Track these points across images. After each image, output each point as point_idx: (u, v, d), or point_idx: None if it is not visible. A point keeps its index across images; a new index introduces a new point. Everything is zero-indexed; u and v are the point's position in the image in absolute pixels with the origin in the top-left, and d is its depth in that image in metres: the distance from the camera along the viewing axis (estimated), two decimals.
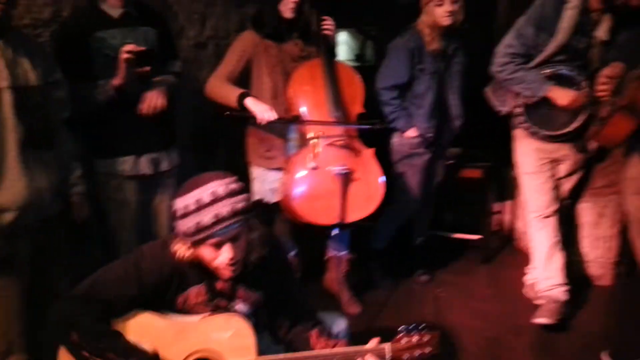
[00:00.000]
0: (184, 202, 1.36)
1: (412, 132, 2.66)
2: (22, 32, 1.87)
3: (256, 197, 2.47)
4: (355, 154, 2.32)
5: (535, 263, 2.67)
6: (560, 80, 2.28)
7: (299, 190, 2.26)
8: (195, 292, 1.47)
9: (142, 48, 1.94)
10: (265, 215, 2.58)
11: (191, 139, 2.79)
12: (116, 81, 1.95)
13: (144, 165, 2.13)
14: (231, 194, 1.36)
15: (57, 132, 1.79)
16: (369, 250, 3.00)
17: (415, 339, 1.36)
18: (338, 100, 2.30)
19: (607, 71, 1.88)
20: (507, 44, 2.35)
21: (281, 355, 1.40)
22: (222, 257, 1.38)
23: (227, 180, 1.38)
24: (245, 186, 1.48)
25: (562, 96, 2.26)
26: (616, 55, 2.20)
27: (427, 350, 1.36)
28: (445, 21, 2.51)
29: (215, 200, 1.33)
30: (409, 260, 3.04)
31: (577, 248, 2.90)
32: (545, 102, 2.32)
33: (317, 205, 2.25)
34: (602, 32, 2.21)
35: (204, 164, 2.76)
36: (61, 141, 1.81)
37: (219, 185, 1.35)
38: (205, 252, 1.39)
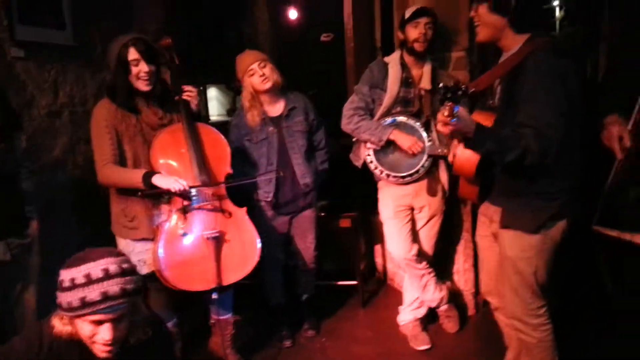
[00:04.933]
0: (71, 275, 1.30)
1: (259, 197, 2.75)
2: None
3: None
4: (226, 216, 2.32)
5: (404, 301, 2.94)
6: (399, 127, 2.60)
7: (170, 258, 2.18)
8: None
9: None
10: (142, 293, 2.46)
11: (51, 213, 2.59)
12: None
13: (1, 251, 1.91)
14: (123, 274, 1.33)
15: None
16: (264, 307, 3.02)
17: None
18: (202, 163, 2.29)
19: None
20: (350, 101, 2.73)
21: None
22: (100, 336, 1.32)
23: (120, 259, 1.36)
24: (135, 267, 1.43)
25: (404, 139, 2.56)
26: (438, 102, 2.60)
27: None
28: (264, 86, 2.64)
29: (106, 277, 1.30)
30: (296, 316, 3.06)
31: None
32: (391, 148, 2.62)
33: (191, 271, 2.19)
34: (424, 82, 2.61)
35: (67, 238, 2.58)
36: None
37: (111, 263, 1.33)
38: (84, 327, 1.32)
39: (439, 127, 1.74)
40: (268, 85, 2.64)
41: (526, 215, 1.90)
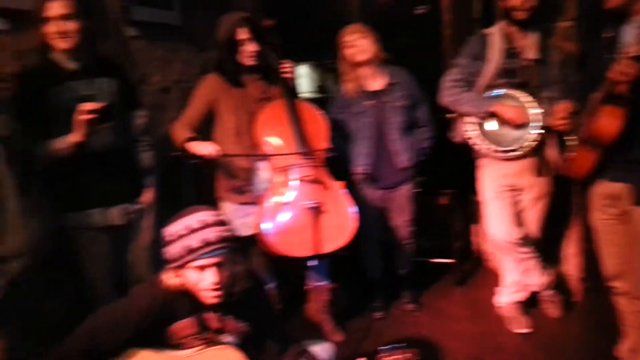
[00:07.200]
0: (173, 229, 1.48)
1: (355, 169, 2.73)
2: None
3: None
4: (325, 188, 2.38)
5: (503, 283, 2.81)
6: (503, 99, 2.45)
7: (272, 225, 2.30)
8: (184, 325, 1.53)
9: (101, 104, 1.86)
10: (241, 249, 2.58)
11: (160, 181, 2.78)
12: (75, 138, 1.88)
13: (115, 215, 2.12)
14: (218, 223, 1.50)
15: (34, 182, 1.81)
16: (359, 278, 3.05)
17: (396, 357, 1.41)
18: (302, 138, 2.37)
19: (560, 107, 2.01)
20: (449, 73, 2.60)
21: None
22: (206, 281, 1.46)
23: (215, 212, 1.54)
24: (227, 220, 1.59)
25: (507, 110, 2.42)
26: (547, 72, 2.42)
27: None
28: (356, 57, 2.61)
29: (204, 226, 1.46)
30: (393, 288, 3.06)
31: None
32: (494, 122, 2.48)
33: (291, 239, 2.29)
34: (530, 52, 2.42)
35: (174, 204, 2.76)
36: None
37: (207, 215, 1.50)
38: (191, 275, 1.47)
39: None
40: (361, 57, 2.62)
41: None
